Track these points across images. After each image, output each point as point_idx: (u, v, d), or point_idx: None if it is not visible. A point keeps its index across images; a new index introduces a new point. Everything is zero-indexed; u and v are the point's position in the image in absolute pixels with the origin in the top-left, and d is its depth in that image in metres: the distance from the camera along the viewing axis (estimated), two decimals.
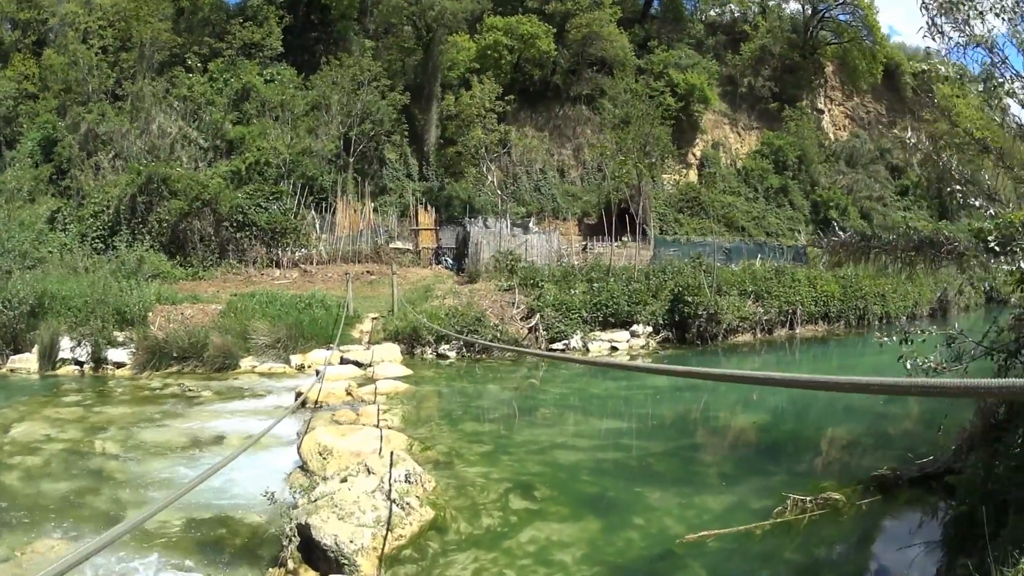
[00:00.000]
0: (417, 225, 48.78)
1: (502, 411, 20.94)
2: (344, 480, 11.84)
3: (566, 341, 30.31)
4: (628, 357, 29.82)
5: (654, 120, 46.71)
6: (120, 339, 27.45)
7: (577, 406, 22.00)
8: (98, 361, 26.98)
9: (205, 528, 11.82)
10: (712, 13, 76.68)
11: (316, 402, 19.11)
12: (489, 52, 56.22)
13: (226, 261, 41.25)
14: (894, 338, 13.01)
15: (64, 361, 27.15)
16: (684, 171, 61.81)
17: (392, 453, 12.84)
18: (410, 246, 47.87)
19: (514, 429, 18.47)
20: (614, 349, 30.65)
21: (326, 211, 46.28)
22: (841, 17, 72.82)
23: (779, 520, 11.32)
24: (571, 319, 30.80)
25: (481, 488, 12.91)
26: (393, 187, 51.23)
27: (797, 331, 35.68)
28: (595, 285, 32.82)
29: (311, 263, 43.42)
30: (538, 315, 30.57)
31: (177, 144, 47.12)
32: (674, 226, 54.01)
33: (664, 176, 56.99)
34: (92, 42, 51.46)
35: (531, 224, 46.65)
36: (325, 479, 12.42)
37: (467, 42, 57.61)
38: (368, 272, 42.70)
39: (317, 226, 45.55)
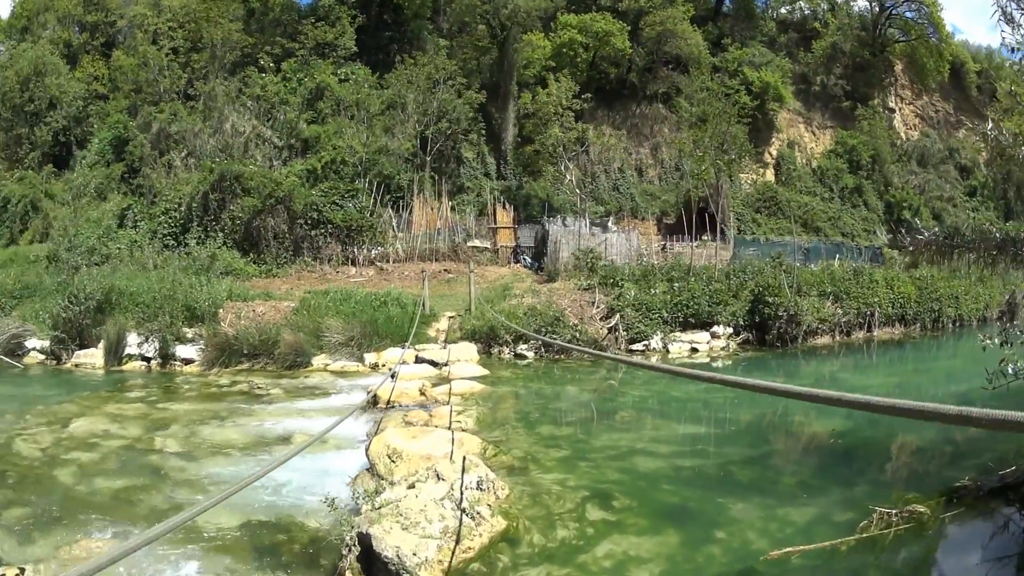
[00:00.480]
0: (495, 223, 47.79)
1: (580, 414, 19.72)
2: (412, 486, 10.77)
3: (646, 342, 29.07)
4: (708, 359, 28.45)
5: (731, 118, 45.14)
6: (189, 335, 26.79)
7: (656, 409, 20.73)
8: (165, 357, 26.27)
9: (262, 531, 10.92)
10: (783, 11, 75.31)
11: (388, 402, 18.00)
12: (564, 50, 55.25)
13: (300, 259, 40.63)
14: (995, 340, 12.55)
15: (130, 357, 26.56)
16: (761, 170, 60.37)
17: (464, 458, 11.64)
18: (488, 244, 46.83)
19: (592, 433, 17.21)
20: (694, 350, 29.36)
21: (402, 210, 45.46)
22: (908, 14, 71.01)
23: (864, 535, 10.44)
24: (651, 319, 29.54)
25: (557, 497, 11.79)
26: (471, 186, 50.29)
27: (875, 333, 34.07)
28: (676, 285, 31.49)
29: (387, 261, 42.58)
30: (618, 315, 29.29)
31: (251, 143, 46.73)
32: (752, 226, 52.84)
33: (741, 176, 55.57)
34: (162, 43, 51.92)
35: (610, 223, 45.72)
36: (392, 484, 11.39)
37: (542, 40, 56.67)
38: (445, 270, 41.80)
39: (393, 224, 44.66)
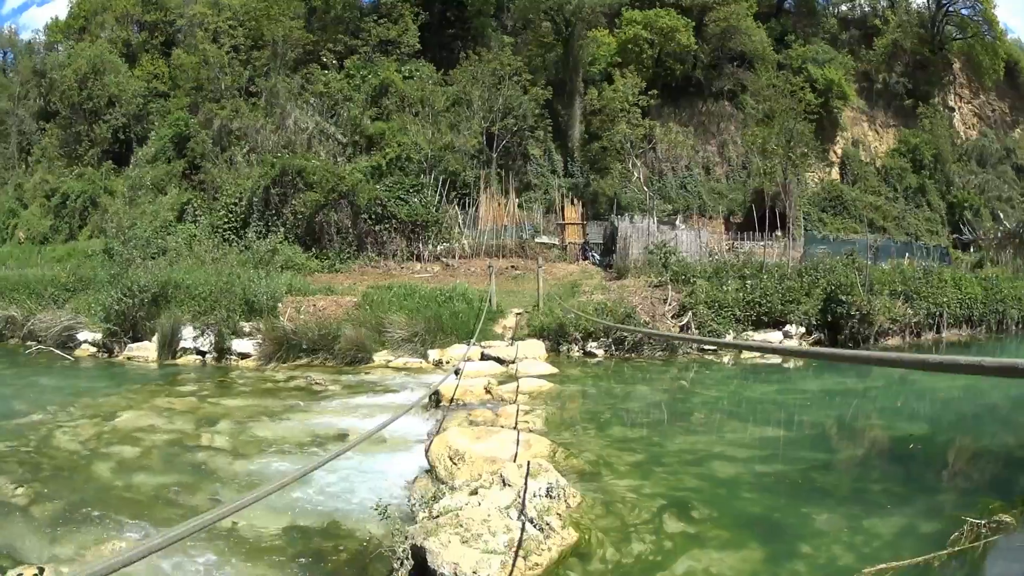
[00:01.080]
0: (563, 220, 46.95)
1: (653, 415, 18.22)
2: (474, 492, 9.44)
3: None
4: (780, 359, 26.54)
5: (797, 116, 44.26)
6: (246, 329, 25.79)
7: (731, 410, 19.23)
8: (221, 351, 25.37)
9: (306, 537, 9.76)
10: (843, 7, 74.04)
11: (451, 400, 16.58)
12: (630, 46, 54.14)
13: (364, 254, 39.92)
14: None
15: (185, 351, 25.82)
16: (827, 169, 59.11)
17: (530, 462, 10.27)
18: (556, 241, 46.01)
19: (667, 435, 15.66)
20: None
21: (469, 206, 44.66)
22: (964, 11, 69.14)
23: (956, 548, 9.25)
24: (723, 317, 27.92)
25: (632, 506, 10.46)
26: (537, 183, 49.65)
27: (943, 335, 32.32)
28: (748, 282, 29.85)
29: (453, 257, 41.61)
30: (690, 312, 27.70)
31: (314, 139, 46.27)
32: (818, 225, 51.32)
33: (807, 174, 53.99)
34: (223, 41, 51.64)
35: (678, 222, 44.64)
36: (452, 489, 10.06)
37: (606, 37, 55.79)
38: (512, 267, 40.67)
39: (460, 220, 43.78)
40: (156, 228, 37.61)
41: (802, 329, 28.59)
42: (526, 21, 57.96)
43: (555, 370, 21.76)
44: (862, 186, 58.42)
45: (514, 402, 16.50)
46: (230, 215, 40.12)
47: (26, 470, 12.83)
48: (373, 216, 40.23)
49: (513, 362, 22.30)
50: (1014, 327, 34.84)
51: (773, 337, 27.83)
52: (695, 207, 51.63)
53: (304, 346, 24.50)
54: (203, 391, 20.10)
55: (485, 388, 17.57)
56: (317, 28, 55.26)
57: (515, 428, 13.67)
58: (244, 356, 24.94)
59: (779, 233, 42.64)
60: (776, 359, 26.13)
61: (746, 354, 26.60)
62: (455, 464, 11.34)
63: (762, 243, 41.02)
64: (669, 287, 29.37)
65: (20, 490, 11.52)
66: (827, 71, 58.43)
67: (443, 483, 10.82)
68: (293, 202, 39.15)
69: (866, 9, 73.53)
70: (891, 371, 25.85)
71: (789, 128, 42.95)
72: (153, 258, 31.03)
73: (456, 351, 23.77)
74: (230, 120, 47.08)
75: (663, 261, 32.05)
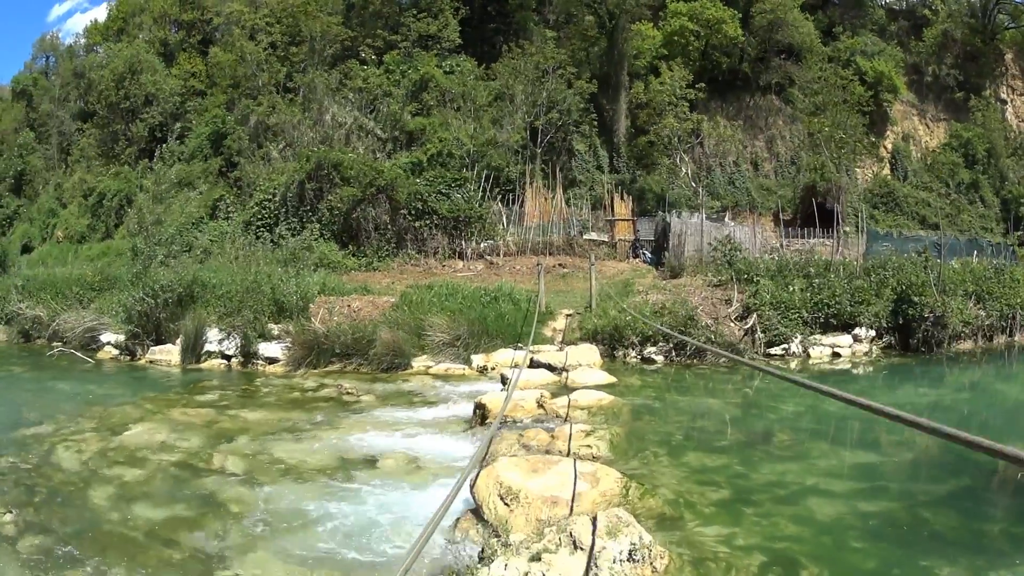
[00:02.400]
0: (613, 215, 44.87)
1: (731, 436, 15.63)
2: (536, 558, 7.23)
3: (785, 345, 25.01)
4: (850, 365, 24.64)
5: (850, 108, 43.07)
6: (275, 332, 23.80)
7: (815, 429, 16.72)
8: (248, 356, 23.42)
9: None
10: None
11: (499, 416, 14.23)
12: (675, 38, 52.55)
13: (403, 252, 37.93)
14: None
15: (210, 354, 24.01)
16: (877, 164, 57.26)
17: (605, 516, 7.89)
18: (605, 238, 43.68)
19: (751, 464, 13.05)
20: (836, 355, 25.36)
21: (513, 203, 42.71)
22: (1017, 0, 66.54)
23: None
24: (790, 319, 25.36)
25: (727, 566, 8.26)
26: (583, 179, 47.68)
27: (1016, 338, 29.68)
28: (815, 281, 27.26)
29: (497, 255, 39.56)
30: (754, 314, 25.20)
31: (352, 135, 44.59)
32: (869, 222, 48.82)
33: (857, 169, 52.65)
34: (260, 38, 51.32)
35: (727, 218, 42.86)
36: (506, 547, 7.81)
37: (651, 30, 54.42)
38: (560, 265, 38.54)
39: (503, 216, 41.85)
40: (183, 225, 36.49)
41: (872, 332, 26.13)
42: (568, 15, 56.61)
43: (612, 379, 19.16)
44: (913, 181, 56.48)
45: (571, 419, 14.18)
46: (263, 211, 38.40)
47: (21, 492, 11.58)
48: (413, 212, 38.33)
49: (565, 370, 19.78)
50: None
51: (842, 341, 25.51)
52: (744, 204, 49.85)
53: (337, 351, 22.31)
54: (223, 401, 18.29)
55: (537, 402, 15.19)
56: (356, 24, 53.88)
57: (575, 455, 11.53)
58: (272, 361, 22.90)
59: (847, 228, 40.71)
60: (847, 364, 24.16)
61: (815, 358, 24.52)
62: (507, 505, 9.06)
63: (813, 240, 39.73)
64: (735, 287, 26.87)
65: (8, 516, 10.25)
66: (876, 63, 56.62)
67: (494, 532, 8.61)
68: (329, 197, 37.33)
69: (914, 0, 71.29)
70: (969, 379, 24.12)
71: (842, 121, 41.10)
72: (175, 257, 29.32)
73: (502, 356, 21.58)
74: (267, 116, 45.95)
75: (727, 258, 29.65)
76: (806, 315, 25.47)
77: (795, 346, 24.79)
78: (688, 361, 23.07)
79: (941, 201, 54.69)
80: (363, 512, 9.77)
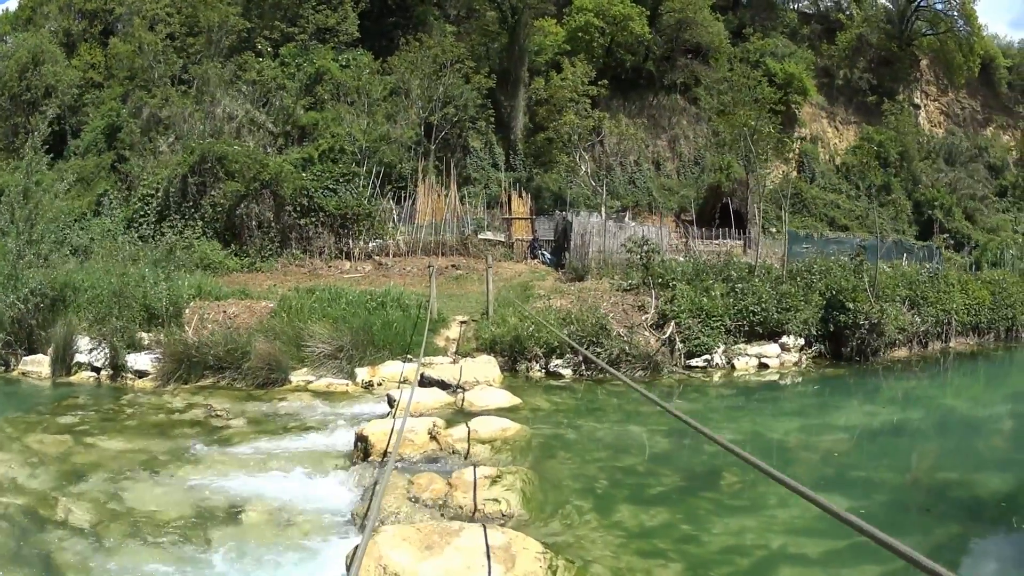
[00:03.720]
0: (510, 213, 43.13)
1: (666, 477, 13.10)
2: None
3: (707, 356, 23.12)
4: (778, 376, 23.07)
5: (760, 110, 41.45)
6: (145, 342, 21.12)
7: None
8: (117, 368, 20.69)
9: None
10: (805, 1, 73.12)
11: (385, 452, 11.95)
12: (580, 34, 51.48)
13: (288, 251, 35.50)
14: None
15: (80, 366, 21.22)
16: (784, 166, 56.42)
17: None
18: (502, 237, 41.88)
19: (698, 518, 10.81)
20: (763, 366, 23.67)
21: (405, 200, 40.71)
22: (938, 6, 67.56)
23: None
24: (712, 328, 23.53)
25: None
26: (478, 177, 46.17)
27: (951, 344, 29.25)
28: (738, 286, 25.27)
29: (387, 255, 37.40)
30: (672, 323, 23.19)
31: (244, 129, 42.48)
32: (776, 223, 48.21)
33: (763, 171, 51.01)
34: (159, 29, 48.55)
35: (626, 218, 41.64)
36: None
37: (554, 27, 53.39)
38: (453, 266, 36.52)
39: (394, 214, 39.75)
40: (63, 222, 33.26)
41: (801, 340, 24.73)
42: (470, 10, 55.14)
43: (516, 400, 17.00)
44: (821, 183, 56.93)
45: (471, 457, 12.18)
46: (146, 207, 35.85)
47: None
48: (298, 208, 36.07)
49: (461, 388, 17.59)
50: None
51: (769, 350, 24.10)
52: (644, 204, 48.89)
53: (211, 363, 19.82)
54: (84, 424, 15.74)
55: (430, 433, 13.00)
56: (255, 15, 51.40)
57: (482, 514, 9.67)
58: (141, 374, 20.28)
59: (758, 230, 40.07)
60: (775, 376, 22.80)
61: (740, 370, 22.91)
62: None
63: (719, 242, 39.04)
64: (651, 291, 24.84)
65: None
66: (787, 65, 56.70)
67: None
68: (212, 193, 35.03)
69: (828, 4, 72.63)
70: (907, 392, 22.95)
71: (751, 122, 40.14)
72: (46, 258, 26.71)
73: (390, 370, 19.48)
74: (159, 109, 43.49)
75: (644, 261, 27.19)
76: (729, 323, 23.90)
77: (718, 357, 23.23)
78: (600, 376, 20.93)
79: (851, 203, 55.46)
80: None
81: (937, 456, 15.67)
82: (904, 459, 15.27)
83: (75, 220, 35.34)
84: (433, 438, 12.88)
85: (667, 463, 13.95)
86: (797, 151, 58.19)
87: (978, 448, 16.23)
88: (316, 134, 41.74)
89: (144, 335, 21.19)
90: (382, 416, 14.95)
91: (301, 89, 45.40)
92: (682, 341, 22.57)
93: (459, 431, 13.24)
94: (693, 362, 22.76)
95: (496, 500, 10.00)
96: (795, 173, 56.45)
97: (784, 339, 24.41)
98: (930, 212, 56.59)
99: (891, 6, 69.32)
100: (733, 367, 23.14)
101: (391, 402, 15.23)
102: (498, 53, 51.45)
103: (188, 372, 19.66)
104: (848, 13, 68.13)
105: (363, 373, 19.48)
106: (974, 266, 41.53)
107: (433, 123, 43.64)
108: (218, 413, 16.31)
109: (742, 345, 23.72)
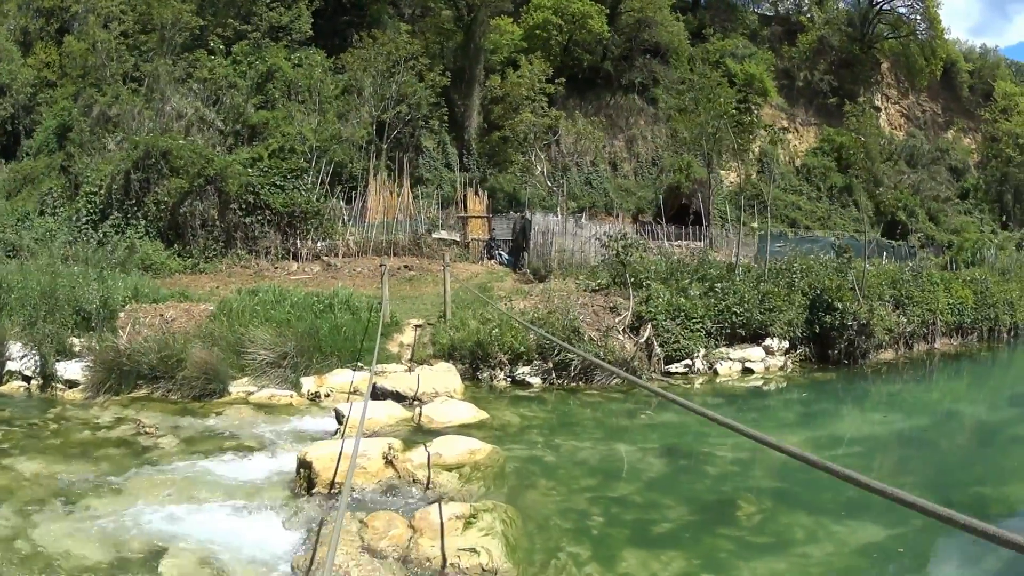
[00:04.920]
0: (466, 212, 41.92)
1: (671, 510, 11.03)
2: None
3: (688, 361, 21.53)
4: (763, 382, 21.63)
5: (722, 111, 41.12)
6: (77, 348, 19.21)
7: (779, 488, 12.44)
8: (47, 377, 18.71)
9: None
10: (766, 3, 73.33)
11: (332, 483, 10.15)
12: (537, 32, 50.74)
13: (233, 251, 33.82)
14: None
15: (11, 374, 19.14)
16: (743, 167, 56.05)
17: None
18: (457, 237, 40.58)
19: (719, 563, 9.10)
20: (748, 371, 22.20)
21: (355, 199, 39.54)
22: (900, 9, 67.59)
23: None
24: (692, 330, 22.00)
25: None
26: (430, 177, 44.98)
27: (936, 345, 28.20)
28: (717, 286, 23.80)
29: (336, 255, 35.91)
30: (649, 325, 21.49)
31: (193, 127, 41.14)
32: (735, 224, 47.13)
33: (722, 171, 51.61)
34: (113, 26, 47.10)
35: (582, 219, 39.88)
36: None
37: (511, 26, 52.34)
38: (406, 267, 34.92)
39: (344, 214, 38.30)
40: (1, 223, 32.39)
41: (785, 343, 23.41)
42: (425, 8, 53.90)
43: (482, 415, 15.13)
44: (781, 184, 56.17)
45: (435, 487, 10.48)
46: (90, 205, 34.27)
47: None
48: (244, 206, 34.41)
49: (419, 399, 15.89)
50: (1006, 335, 31.81)
51: (753, 354, 22.73)
52: (601, 204, 48.01)
53: (145, 372, 17.87)
54: (5, 442, 13.94)
55: (385, 457, 11.14)
56: (209, 12, 50.22)
57: (454, 573, 8.00)
58: (72, 384, 18.32)
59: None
60: (760, 381, 21.43)
61: (723, 375, 21.48)
62: None
63: (680, 243, 38.32)
64: (628, 291, 22.99)
65: None
66: (747, 66, 56.31)
67: None
68: (156, 190, 33.40)
69: (789, 6, 73.17)
70: (904, 396, 21.94)
71: (711, 121, 39.83)
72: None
73: (338, 379, 17.66)
74: (108, 107, 42.03)
75: (622, 256, 25.07)
76: (709, 324, 22.36)
77: (699, 362, 21.74)
78: (573, 384, 19.25)
79: (812, 204, 55.37)
80: None
81: (965, 467, 14.36)
82: (931, 472, 13.98)
83: (18, 220, 34.01)
84: (389, 463, 11.04)
85: (668, 491, 12.04)
86: (756, 152, 57.63)
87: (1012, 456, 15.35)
88: (267, 133, 40.53)
89: (76, 341, 19.40)
90: (330, 434, 13.42)
91: (252, 87, 44.35)
92: (660, 345, 20.99)
93: (419, 455, 11.36)
94: (673, 368, 21.26)
95: (474, 550, 8.24)
96: (754, 174, 55.96)
97: (768, 342, 23.11)
98: (894, 213, 56.54)
99: (852, 9, 69.49)
100: (716, 372, 21.74)
101: (339, 418, 13.63)
102: (453, 51, 50.41)
103: (120, 382, 17.77)
104: (809, 15, 68.30)
105: (309, 383, 17.69)
106: (951, 265, 41.13)
107: (386, 122, 42.67)
108: (147, 430, 14.53)
109: (724, 349, 22.37)
